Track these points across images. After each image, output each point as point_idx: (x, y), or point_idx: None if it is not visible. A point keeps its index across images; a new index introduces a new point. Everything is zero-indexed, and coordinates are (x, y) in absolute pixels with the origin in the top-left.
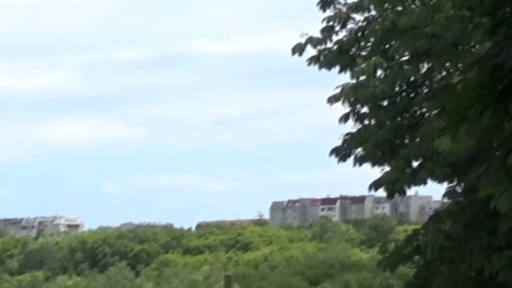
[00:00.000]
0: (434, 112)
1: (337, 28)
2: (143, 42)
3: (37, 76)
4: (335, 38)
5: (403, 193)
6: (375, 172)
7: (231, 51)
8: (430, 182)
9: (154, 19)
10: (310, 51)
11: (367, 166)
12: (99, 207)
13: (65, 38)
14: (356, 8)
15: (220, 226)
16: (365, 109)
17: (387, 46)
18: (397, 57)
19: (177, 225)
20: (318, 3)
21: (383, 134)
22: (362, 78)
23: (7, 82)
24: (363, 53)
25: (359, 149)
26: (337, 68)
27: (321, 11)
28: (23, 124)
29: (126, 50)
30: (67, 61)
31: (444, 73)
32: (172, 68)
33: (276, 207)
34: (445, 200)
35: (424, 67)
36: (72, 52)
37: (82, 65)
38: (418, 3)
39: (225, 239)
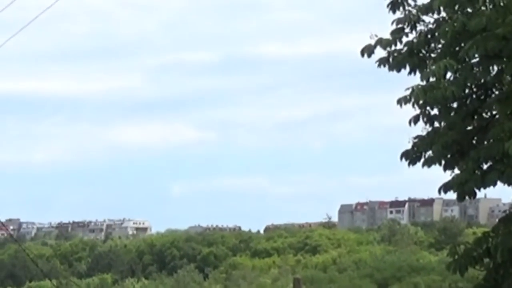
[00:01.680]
0: (505, 114)
1: (407, 30)
2: (213, 45)
3: (107, 79)
4: (405, 39)
5: (473, 195)
6: (444, 174)
7: (300, 54)
8: (500, 185)
9: (224, 22)
10: (380, 53)
11: (435, 168)
12: (167, 210)
13: (136, 41)
14: (426, 9)
15: (288, 229)
16: (435, 111)
17: (457, 48)
18: (467, 59)
19: (245, 228)
20: (387, 5)
21: (453, 136)
22: (432, 80)
23: (79, 85)
24: (433, 55)
25: (429, 152)
26: (407, 69)
27: (390, 13)
28: (92, 127)
29: (195, 53)
30: (137, 64)
31: None
32: (241, 71)
33: (345, 209)
34: None
35: (495, 69)
36: (143, 55)
37: (152, 68)
38: (488, 4)
39: (293, 242)
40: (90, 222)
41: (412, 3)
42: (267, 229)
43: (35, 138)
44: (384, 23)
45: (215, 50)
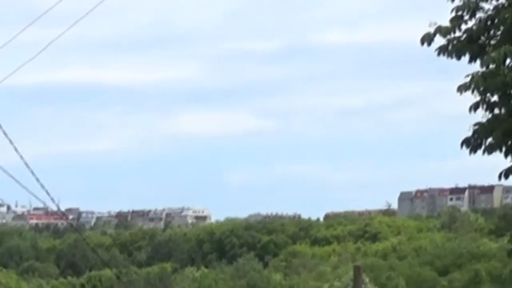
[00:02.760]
0: None
1: (466, 17)
2: (272, 34)
3: (168, 68)
4: (464, 27)
5: None
6: (504, 161)
7: (359, 42)
8: None
9: (283, 10)
10: (439, 41)
11: (496, 155)
12: (227, 198)
13: (197, 30)
14: None
15: (348, 217)
16: (495, 98)
17: None
18: None
19: (304, 216)
20: None
21: None
22: (491, 66)
23: (139, 74)
24: (493, 41)
25: (489, 139)
26: (467, 57)
27: (449, 1)
28: (152, 116)
29: (255, 42)
30: (198, 53)
31: None
32: (301, 59)
33: (405, 197)
34: None
35: None
36: (203, 44)
37: (213, 57)
38: None
39: (353, 230)
40: (150, 211)
41: None
42: (326, 216)
43: (96, 128)
44: (443, 11)
45: (274, 39)
